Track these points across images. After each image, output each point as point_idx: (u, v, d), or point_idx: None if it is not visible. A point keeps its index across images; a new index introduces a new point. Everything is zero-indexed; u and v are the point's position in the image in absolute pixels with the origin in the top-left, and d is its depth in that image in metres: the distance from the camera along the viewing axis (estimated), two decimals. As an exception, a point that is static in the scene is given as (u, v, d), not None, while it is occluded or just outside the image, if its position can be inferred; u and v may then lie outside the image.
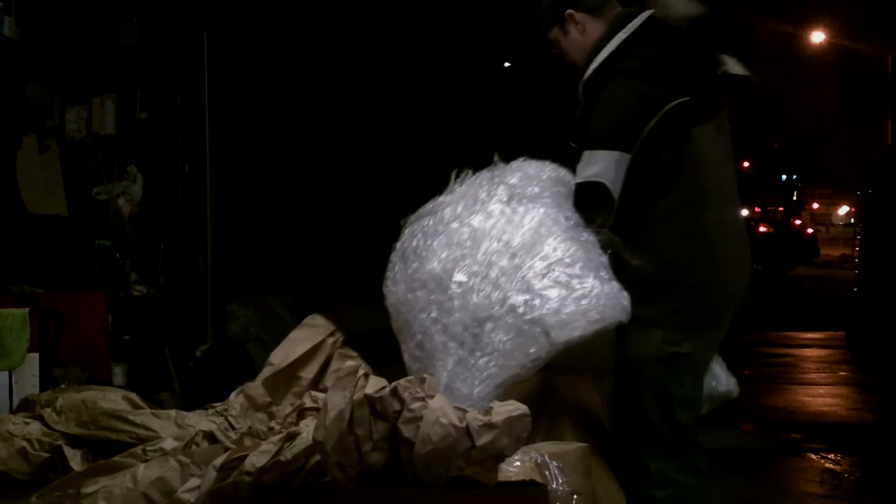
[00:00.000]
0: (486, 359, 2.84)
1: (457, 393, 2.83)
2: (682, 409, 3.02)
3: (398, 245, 3.12)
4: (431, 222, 3.07)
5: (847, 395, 9.00)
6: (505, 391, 2.83)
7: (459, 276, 2.91)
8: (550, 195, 3.06)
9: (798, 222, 36.50)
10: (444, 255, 2.96)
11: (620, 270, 2.94)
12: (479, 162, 3.27)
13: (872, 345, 7.26)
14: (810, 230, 36.60)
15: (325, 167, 8.80)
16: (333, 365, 3.51)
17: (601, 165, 2.96)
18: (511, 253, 2.90)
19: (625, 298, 2.86)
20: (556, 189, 3.09)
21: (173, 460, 2.84)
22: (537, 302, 2.81)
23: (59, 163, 5.78)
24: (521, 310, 2.82)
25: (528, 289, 2.84)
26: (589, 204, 2.98)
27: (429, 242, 3.02)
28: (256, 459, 2.63)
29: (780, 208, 36.28)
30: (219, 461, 2.70)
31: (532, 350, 2.81)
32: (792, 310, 15.70)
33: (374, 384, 2.41)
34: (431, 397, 2.42)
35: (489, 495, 2.42)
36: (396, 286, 3.07)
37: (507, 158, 3.25)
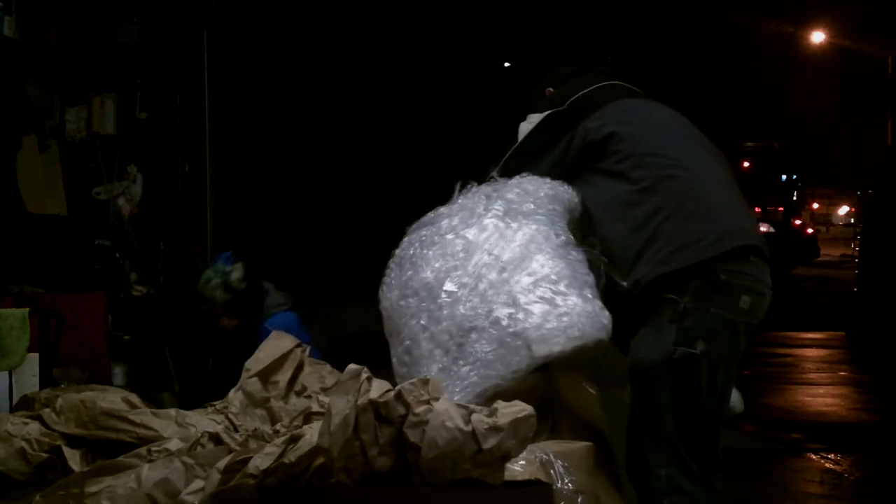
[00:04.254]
0: (468, 368, 2.94)
1: None
2: (698, 412, 2.99)
3: (397, 252, 3.23)
4: (428, 232, 3.18)
5: (847, 395, 9.00)
6: (485, 401, 2.86)
7: (449, 286, 3.03)
8: (545, 213, 3.15)
9: (798, 222, 36.51)
10: (437, 265, 3.08)
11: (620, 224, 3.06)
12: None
13: (872, 345, 7.26)
14: (810, 230, 36.61)
15: (326, 167, 8.80)
16: (307, 369, 3.57)
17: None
18: (500, 267, 3.01)
19: (605, 318, 2.96)
20: (551, 207, 3.18)
21: (178, 461, 2.84)
22: (521, 316, 2.93)
23: (59, 163, 5.78)
24: (504, 322, 2.94)
25: (514, 303, 2.95)
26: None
27: (424, 252, 3.13)
28: (260, 462, 2.63)
29: (780, 208, 36.28)
30: (222, 463, 2.70)
31: (513, 362, 2.92)
32: (792, 310, 15.69)
33: (378, 388, 2.40)
34: (436, 400, 2.40)
35: (495, 495, 2.42)
36: (391, 292, 3.18)
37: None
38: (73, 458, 3.16)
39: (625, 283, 3.04)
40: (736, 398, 3.26)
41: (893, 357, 6.97)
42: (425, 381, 2.45)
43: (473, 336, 2.95)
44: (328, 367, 3.64)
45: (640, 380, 3.02)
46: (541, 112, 3.30)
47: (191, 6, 5.93)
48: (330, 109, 8.67)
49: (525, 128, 3.35)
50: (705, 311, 2.94)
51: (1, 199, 5.43)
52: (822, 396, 8.96)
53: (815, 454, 6.40)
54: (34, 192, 5.60)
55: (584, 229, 3.20)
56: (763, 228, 28.70)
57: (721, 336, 2.97)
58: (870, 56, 25.45)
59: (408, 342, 3.04)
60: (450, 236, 3.12)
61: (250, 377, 3.52)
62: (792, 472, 6.10)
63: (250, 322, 4.92)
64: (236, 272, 4.97)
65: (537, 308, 2.93)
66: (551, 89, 3.48)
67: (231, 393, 3.53)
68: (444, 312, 3.00)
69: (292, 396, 3.54)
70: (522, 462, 2.61)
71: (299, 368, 3.59)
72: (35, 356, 4.27)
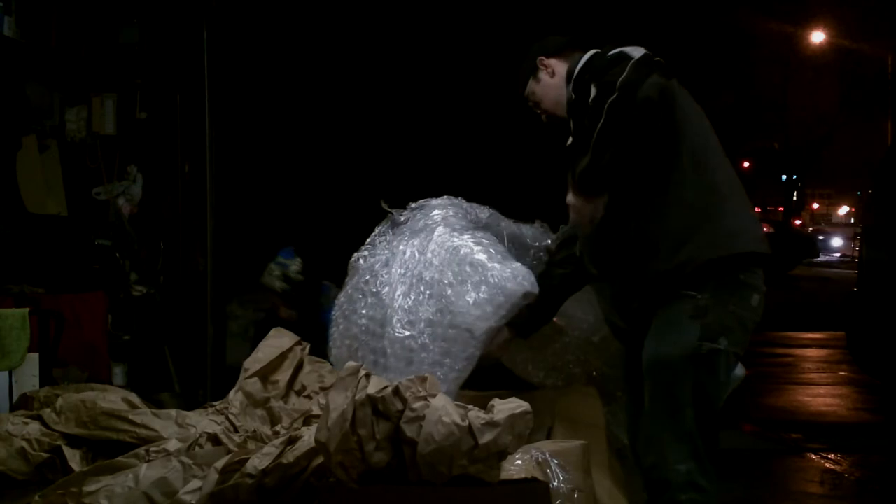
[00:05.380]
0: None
1: None
2: (715, 407, 3.03)
3: (333, 315, 3.53)
4: (352, 284, 3.45)
5: (847, 395, 9.00)
6: (455, 396, 3.02)
7: (381, 317, 3.26)
8: (442, 218, 3.39)
9: (798, 222, 36.51)
10: (369, 306, 3.33)
11: (657, 225, 3.01)
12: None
13: (872, 345, 7.26)
14: (810, 230, 36.61)
15: (326, 167, 8.80)
16: (307, 368, 3.59)
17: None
18: (417, 277, 3.22)
19: (523, 271, 3.18)
20: (445, 212, 3.42)
21: (176, 461, 2.84)
22: (449, 306, 3.13)
23: (59, 163, 5.78)
24: (437, 319, 3.14)
25: (439, 299, 3.16)
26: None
27: (354, 302, 3.39)
28: (258, 462, 2.63)
29: (780, 208, 36.29)
30: (220, 463, 2.70)
31: (459, 350, 3.11)
32: (792, 310, 15.69)
33: (376, 384, 2.42)
34: (433, 396, 2.42)
35: (492, 493, 2.43)
36: (338, 349, 3.45)
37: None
38: (74, 458, 3.17)
39: (661, 267, 3.02)
40: (739, 367, 3.28)
41: (893, 357, 6.96)
42: (423, 378, 2.46)
43: (416, 347, 3.14)
44: (328, 365, 3.65)
45: (662, 375, 3.02)
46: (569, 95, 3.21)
47: (191, 6, 5.93)
48: (330, 109, 8.66)
49: (552, 94, 3.34)
50: (724, 308, 3.00)
51: (1, 199, 5.43)
52: (822, 396, 8.96)
53: (815, 454, 6.39)
54: (34, 192, 5.60)
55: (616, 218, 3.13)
56: (763, 229, 28.82)
57: (735, 333, 3.03)
58: (870, 56, 25.44)
59: None
60: (369, 276, 3.37)
61: (249, 377, 3.52)
62: (792, 472, 6.10)
63: (309, 314, 5.29)
64: (295, 265, 5.44)
65: (459, 293, 3.12)
66: (555, 64, 3.37)
67: (231, 393, 3.53)
68: (385, 342, 3.20)
69: (292, 396, 3.54)
70: (518, 461, 2.63)
71: (299, 367, 3.59)
72: (35, 356, 4.27)
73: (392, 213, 3.50)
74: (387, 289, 3.27)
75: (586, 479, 2.85)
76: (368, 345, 3.28)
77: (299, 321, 5.21)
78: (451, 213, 3.40)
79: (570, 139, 3.21)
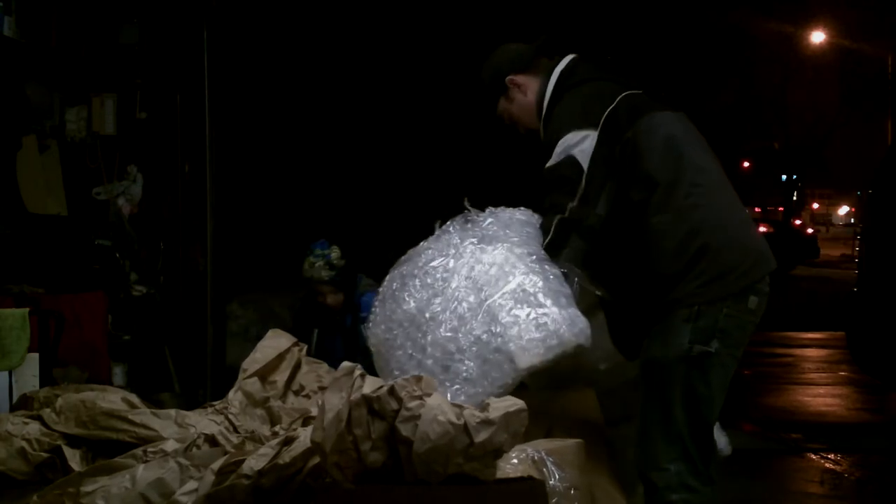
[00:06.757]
0: (455, 387, 3.03)
1: None
2: (708, 409, 3.02)
3: (380, 290, 3.38)
4: (408, 268, 3.31)
5: (847, 395, 9.00)
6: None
7: (430, 313, 3.14)
8: (517, 234, 3.24)
9: (798, 222, 36.51)
10: (418, 296, 3.21)
11: (650, 252, 3.01)
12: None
13: (872, 345, 7.26)
14: (810, 230, 36.61)
15: (326, 167, 8.80)
16: (304, 368, 3.59)
17: (570, 142, 3.06)
18: (478, 288, 3.11)
19: (582, 322, 3.03)
20: (524, 230, 3.27)
21: (173, 462, 2.84)
22: (500, 331, 3.02)
23: (59, 163, 5.78)
24: (485, 339, 3.03)
25: (493, 320, 3.05)
26: (559, 182, 3.07)
27: (405, 285, 3.27)
28: (254, 463, 2.63)
29: (780, 208, 36.29)
30: (217, 464, 2.70)
31: (497, 377, 3.01)
32: (792, 310, 15.70)
33: (372, 384, 2.42)
34: (429, 395, 2.42)
35: (488, 491, 2.43)
36: (377, 327, 3.31)
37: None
38: (74, 458, 3.16)
39: (599, 293, 3.16)
40: (723, 442, 3.29)
41: (893, 357, 6.96)
42: (418, 378, 2.46)
43: (457, 357, 3.05)
44: (325, 366, 3.65)
45: (655, 376, 3.04)
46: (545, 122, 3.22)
47: (191, 6, 5.93)
48: (330, 109, 8.67)
49: (529, 112, 3.30)
50: (718, 311, 3.00)
51: (1, 199, 5.43)
52: (822, 396, 8.96)
53: (815, 454, 6.40)
54: (34, 192, 5.60)
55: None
56: (763, 228, 28.83)
57: (731, 335, 3.03)
58: (870, 56, 25.44)
59: (396, 373, 3.11)
60: (428, 267, 3.25)
61: (248, 377, 3.52)
62: (792, 472, 6.10)
63: (349, 298, 5.67)
64: (335, 251, 5.72)
65: (515, 323, 3.02)
66: (526, 81, 3.30)
67: (230, 393, 3.53)
68: (428, 339, 3.11)
69: (290, 396, 3.55)
70: (514, 459, 2.63)
71: (296, 368, 3.60)
72: (35, 356, 4.27)
73: (469, 211, 3.34)
74: (445, 288, 3.17)
75: (582, 477, 2.85)
76: (408, 333, 3.18)
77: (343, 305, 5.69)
78: (527, 231, 3.27)
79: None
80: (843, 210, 52.93)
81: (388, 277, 3.38)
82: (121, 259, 5.85)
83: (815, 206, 53.11)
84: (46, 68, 5.64)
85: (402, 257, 3.40)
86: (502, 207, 3.38)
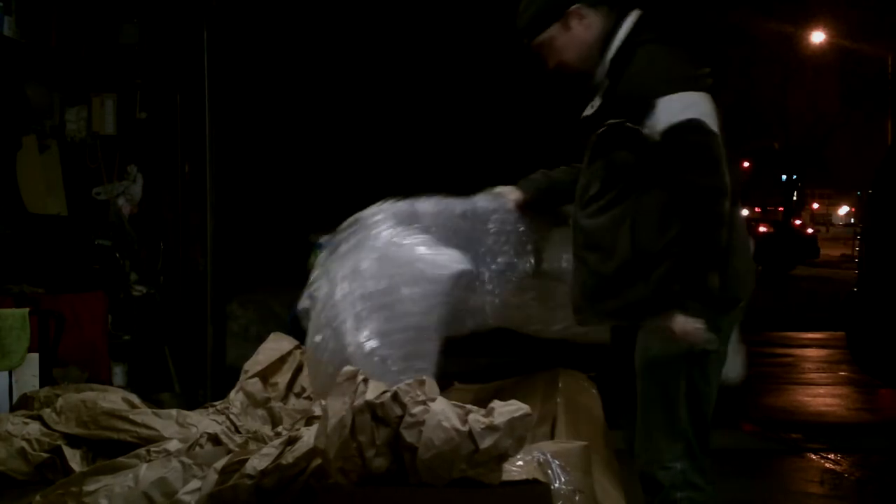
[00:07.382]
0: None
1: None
2: (708, 406, 3.03)
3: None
4: (311, 321, 3.26)
5: (847, 395, 8.99)
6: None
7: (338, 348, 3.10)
8: (373, 229, 3.28)
9: (798, 222, 36.51)
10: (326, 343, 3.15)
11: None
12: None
13: (872, 345, 7.25)
14: (810, 230, 36.61)
15: (326, 166, 8.80)
16: (305, 371, 3.58)
17: (687, 102, 2.84)
18: (358, 298, 3.09)
19: (449, 253, 3.15)
20: (375, 221, 3.31)
21: (176, 461, 2.84)
22: (395, 312, 3.05)
23: (59, 163, 5.78)
24: (386, 328, 3.03)
25: (383, 308, 3.06)
26: (695, 151, 2.82)
27: (314, 339, 3.20)
28: (257, 463, 2.63)
29: (780, 208, 36.29)
30: (220, 464, 2.70)
31: (418, 349, 3.02)
32: (792, 310, 15.69)
33: (375, 389, 2.40)
34: (433, 400, 2.41)
35: (493, 495, 2.42)
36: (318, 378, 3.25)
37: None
38: (74, 458, 3.17)
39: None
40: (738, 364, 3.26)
41: (893, 357, 6.96)
42: (421, 382, 2.45)
43: (379, 359, 3.00)
44: None
45: (656, 374, 3.02)
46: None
47: (191, 6, 5.93)
48: (331, 108, 8.67)
49: (580, 50, 3.07)
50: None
51: (1, 199, 5.43)
52: (822, 396, 8.95)
53: (815, 454, 6.39)
54: (34, 192, 5.60)
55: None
56: (763, 228, 28.83)
57: (726, 333, 3.04)
58: (870, 56, 25.44)
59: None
60: (319, 309, 3.22)
61: (250, 378, 3.52)
62: (792, 472, 6.09)
63: None
64: None
65: (400, 296, 3.07)
66: (594, 17, 3.06)
67: (232, 394, 3.53)
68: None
69: (291, 398, 3.55)
70: (520, 462, 2.62)
71: (298, 370, 3.59)
72: (35, 356, 4.27)
73: (322, 240, 3.37)
74: (336, 316, 3.12)
75: (587, 479, 2.85)
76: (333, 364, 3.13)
77: None
78: (379, 219, 3.29)
79: (590, 109, 3.05)
80: (843, 210, 52.93)
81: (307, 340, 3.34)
82: (121, 259, 5.85)
83: (815, 206, 53.12)
84: (46, 68, 5.64)
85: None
86: (355, 215, 3.38)
